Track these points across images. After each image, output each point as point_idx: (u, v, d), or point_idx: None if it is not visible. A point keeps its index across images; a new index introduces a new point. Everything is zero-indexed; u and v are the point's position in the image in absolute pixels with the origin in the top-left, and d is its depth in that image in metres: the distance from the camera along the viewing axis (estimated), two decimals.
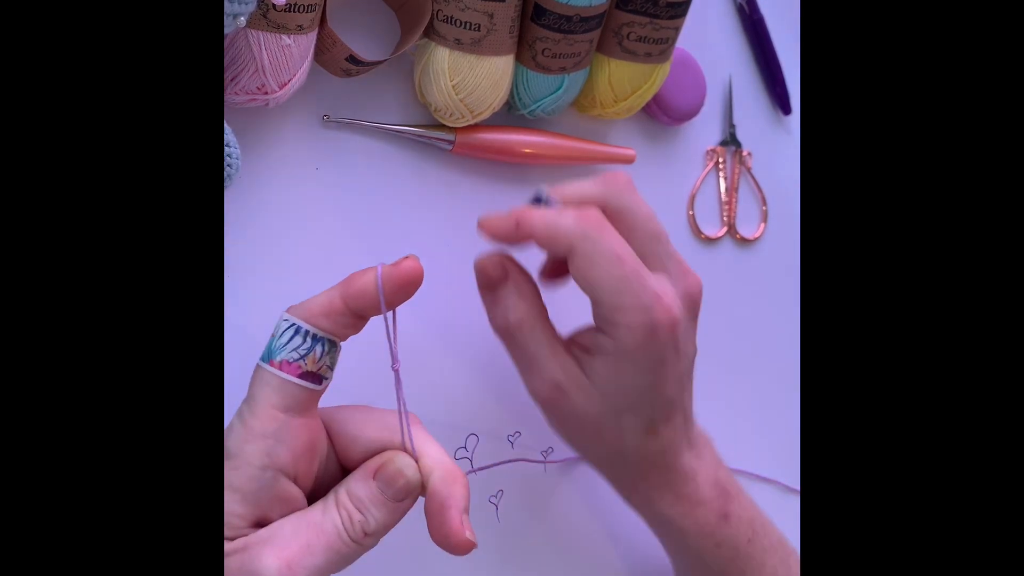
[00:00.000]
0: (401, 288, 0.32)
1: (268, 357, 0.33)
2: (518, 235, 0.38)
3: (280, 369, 0.32)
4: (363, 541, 0.32)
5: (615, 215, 0.38)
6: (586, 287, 0.38)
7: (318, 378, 0.33)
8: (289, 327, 0.33)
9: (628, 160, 0.52)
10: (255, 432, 0.31)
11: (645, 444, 0.40)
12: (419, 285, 0.33)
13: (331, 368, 0.34)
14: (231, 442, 0.31)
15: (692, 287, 0.40)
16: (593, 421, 0.40)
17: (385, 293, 0.32)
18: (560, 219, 0.37)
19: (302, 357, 0.32)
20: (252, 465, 0.31)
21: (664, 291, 0.37)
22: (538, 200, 0.39)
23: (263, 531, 0.31)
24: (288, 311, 0.33)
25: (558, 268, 0.44)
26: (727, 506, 0.43)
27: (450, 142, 0.47)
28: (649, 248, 0.39)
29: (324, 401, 0.35)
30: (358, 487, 0.32)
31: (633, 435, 0.40)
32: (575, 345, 0.41)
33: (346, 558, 0.32)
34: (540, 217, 0.37)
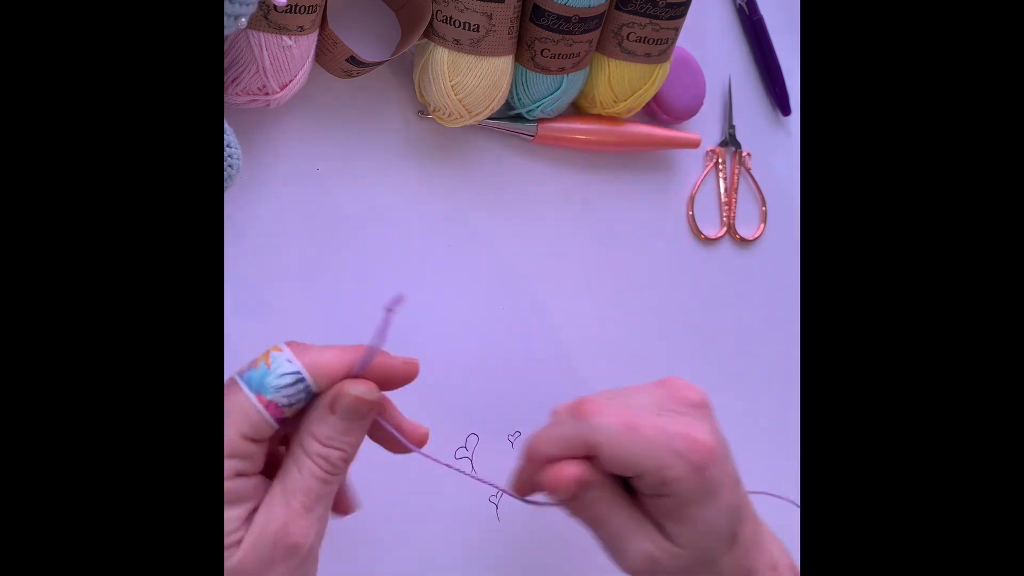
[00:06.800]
0: (400, 381, 0.37)
1: (258, 389, 0.33)
2: (543, 464, 0.39)
3: (266, 408, 0.33)
4: (344, 469, 0.35)
5: (593, 448, 0.39)
6: (626, 468, 0.39)
7: (285, 421, 0.34)
8: (295, 377, 0.33)
9: (694, 144, 0.56)
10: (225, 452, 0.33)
11: (735, 556, 0.41)
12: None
13: None
14: None
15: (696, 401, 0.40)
16: (689, 571, 0.41)
17: (384, 381, 0.36)
18: (565, 431, 0.39)
19: (290, 405, 0.33)
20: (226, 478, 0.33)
21: (686, 430, 0.39)
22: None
23: (258, 518, 0.33)
24: (295, 352, 0.34)
25: (534, 484, 0.42)
26: None
27: (531, 135, 0.51)
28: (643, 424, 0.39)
29: None
30: (322, 428, 0.34)
31: (723, 558, 0.41)
32: (646, 513, 0.41)
33: (334, 490, 0.35)
34: (552, 442, 0.39)
